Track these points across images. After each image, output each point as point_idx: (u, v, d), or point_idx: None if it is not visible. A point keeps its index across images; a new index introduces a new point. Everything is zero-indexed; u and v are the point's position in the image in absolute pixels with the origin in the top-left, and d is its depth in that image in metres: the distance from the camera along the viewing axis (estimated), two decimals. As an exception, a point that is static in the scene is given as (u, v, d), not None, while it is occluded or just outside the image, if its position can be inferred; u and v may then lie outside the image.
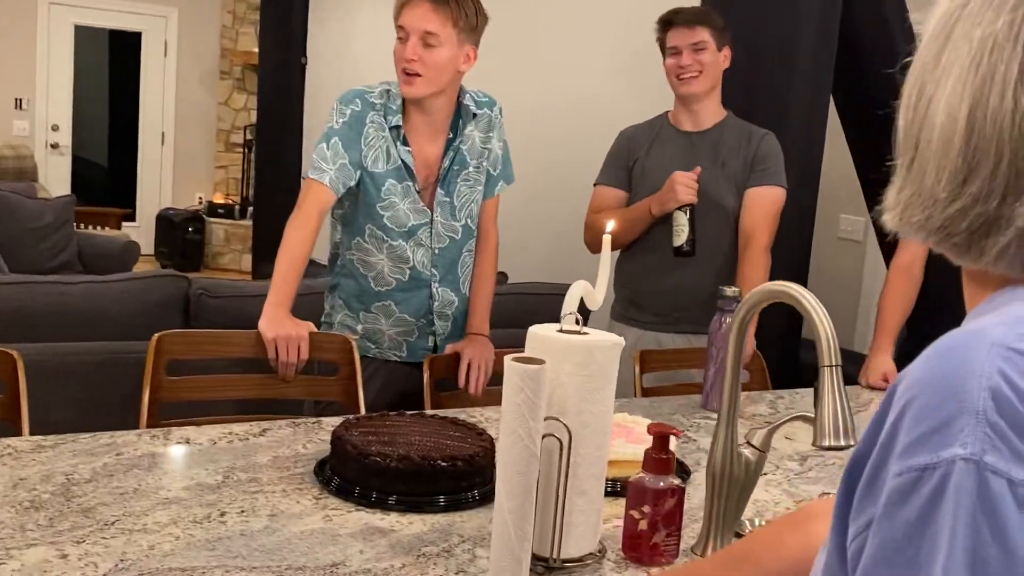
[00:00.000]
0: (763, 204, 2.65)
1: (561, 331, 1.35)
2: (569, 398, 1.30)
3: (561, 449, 1.29)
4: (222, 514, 1.43)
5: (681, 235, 2.55)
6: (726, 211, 2.70)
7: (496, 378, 2.42)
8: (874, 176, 3.72)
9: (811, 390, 2.48)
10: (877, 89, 3.53)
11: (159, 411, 1.96)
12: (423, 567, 1.32)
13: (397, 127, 2.32)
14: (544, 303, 3.61)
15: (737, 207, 2.70)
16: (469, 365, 2.36)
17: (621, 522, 1.43)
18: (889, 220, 0.76)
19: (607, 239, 1.59)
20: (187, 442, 1.72)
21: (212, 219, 8.17)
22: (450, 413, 1.90)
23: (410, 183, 2.34)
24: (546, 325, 1.39)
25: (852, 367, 3.59)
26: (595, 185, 2.85)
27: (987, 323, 0.64)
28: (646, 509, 1.37)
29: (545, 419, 1.26)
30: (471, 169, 2.41)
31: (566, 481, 1.30)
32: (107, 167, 8.80)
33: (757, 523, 1.51)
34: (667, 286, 2.73)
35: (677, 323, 2.74)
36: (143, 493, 1.48)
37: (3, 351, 1.91)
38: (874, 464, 0.64)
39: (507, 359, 1.25)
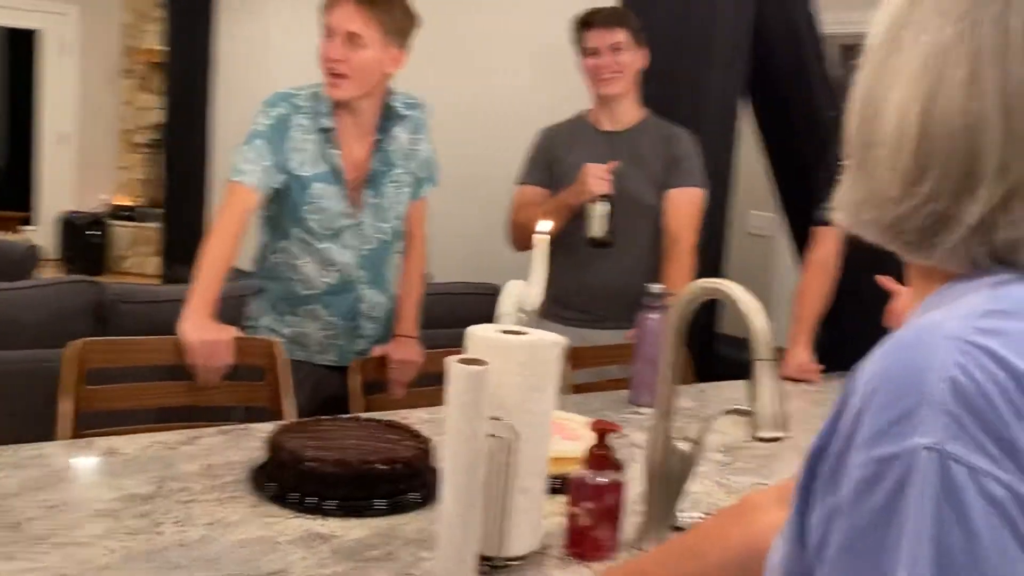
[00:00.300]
0: (685, 205, 2.70)
1: (501, 331, 1.36)
2: (511, 397, 1.31)
3: (504, 448, 1.30)
4: (157, 525, 1.40)
5: (595, 226, 2.57)
6: (647, 210, 2.74)
7: (426, 379, 2.42)
8: (787, 173, 3.83)
9: (731, 383, 2.55)
10: (788, 88, 3.64)
11: (80, 421, 1.90)
12: (366, 572, 1.31)
13: (326, 129, 2.29)
14: (469, 303, 3.62)
15: (657, 205, 2.74)
16: (398, 367, 2.35)
17: (561, 518, 1.44)
18: (840, 218, 0.79)
19: (543, 239, 1.60)
20: (114, 452, 1.67)
21: (116, 222, 7.95)
22: (384, 416, 1.89)
23: (338, 186, 2.32)
24: (485, 326, 1.40)
25: (748, 356, 3.70)
26: (517, 184, 2.86)
27: (941, 317, 0.66)
28: (587, 505, 1.38)
29: (489, 419, 1.26)
30: (398, 170, 2.41)
31: (509, 480, 1.31)
32: (3, 169, 8.49)
33: (691, 515, 1.54)
34: (591, 283, 2.76)
35: (602, 320, 2.77)
36: (73, 506, 1.44)
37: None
38: (836, 455, 0.67)
39: (450, 361, 1.25)
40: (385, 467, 1.52)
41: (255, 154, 2.24)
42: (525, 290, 1.60)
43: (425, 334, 2.69)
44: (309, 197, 2.30)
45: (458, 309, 3.54)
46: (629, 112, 2.81)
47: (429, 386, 2.44)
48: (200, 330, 2.07)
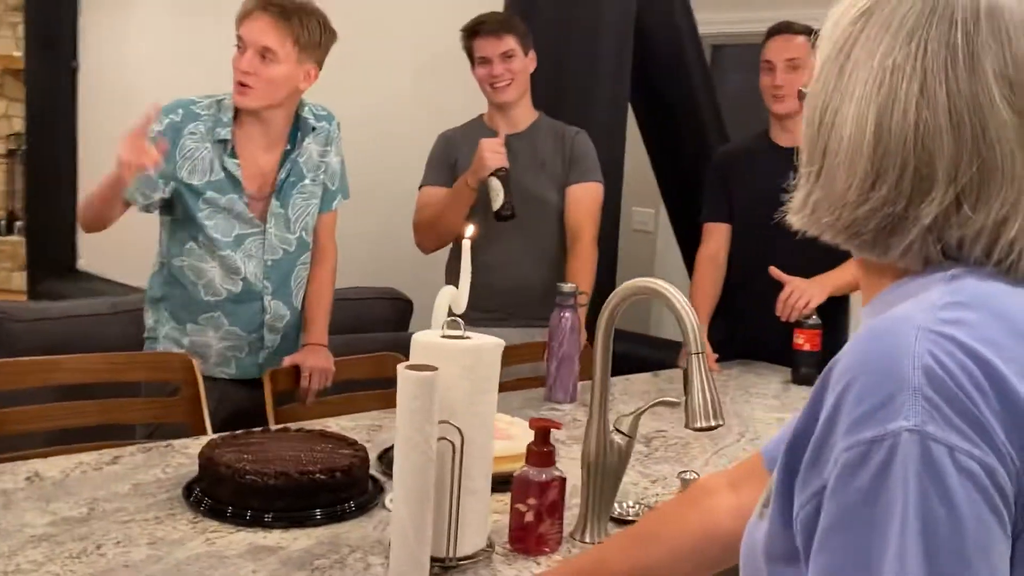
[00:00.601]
0: (585, 201, 2.77)
1: (444, 336, 1.39)
2: (458, 401, 1.34)
3: (453, 451, 1.33)
4: (98, 547, 1.38)
5: (498, 199, 2.59)
6: (549, 209, 2.80)
7: (339, 387, 2.42)
8: (670, 170, 3.96)
9: (637, 376, 2.64)
10: (669, 87, 3.76)
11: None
12: (321, 579, 1.32)
13: (224, 140, 2.27)
14: (370, 308, 3.62)
15: (559, 204, 2.81)
16: (311, 376, 2.35)
17: (502, 516, 1.48)
18: (797, 220, 0.86)
19: (467, 244, 1.64)
20: (39, 476, 1.63)
21: (-27, 236, 7.58)
22: (310, 425, 1.89)
23: (235, 195, 2.30)
24: (427, 332, 1.43)
25: (653, 352, 3.82)
26: (420, 187, 2.88)
27: (908, 310, 0.73)
28: (531, 501, 1.43)
29: (439, 423, 1.29)
30: (307, 182, 2.40)
31: (458, 481, 1.35)
32: None
33: (625, 505, 1.61)
34: (499, 283, 2.80)
35: (510, 318, 2.81)
36: (6, 532, 1.40)
37: None
38: (817, 440, 0.73)
39: (400, 368, 1.28)
40: (325, 477, 1.53)
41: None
42: (456, 295, 1.63)
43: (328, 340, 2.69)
44: (203, 204, 2.28)
45: (359, 314, 3.54)
46: (524, 115, 2.86)
47: (343, 393, 2.45)
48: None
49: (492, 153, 2.59)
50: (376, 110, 4.16)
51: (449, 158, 2.87)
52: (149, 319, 2.42)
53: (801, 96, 0.89)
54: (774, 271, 2.59)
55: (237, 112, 2.28)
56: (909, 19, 0.77)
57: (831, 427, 0.72)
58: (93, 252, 5.89)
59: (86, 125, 6.14)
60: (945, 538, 0.65)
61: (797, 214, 0.85)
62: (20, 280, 6.93)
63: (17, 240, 7.10)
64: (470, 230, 1.71)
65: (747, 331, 2.85)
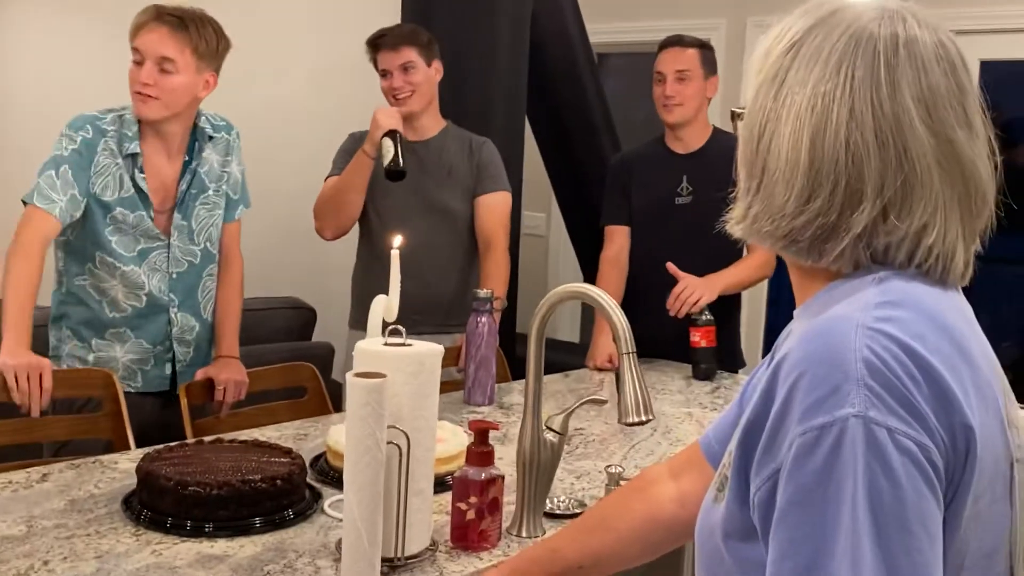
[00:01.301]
0: (496, 210, 2.84)
1: (387, 344, 1.44)
2: (404, 406, 1.39)
3: (400, 454, 1.38)
4: (45, 563, 1.38)
5: (388, 156, 2.58)
6: (456, 216, 2.86)
7: (252, 398, 2.43)
8: (563, 176, 4.06)
9: (549, 377, 2.72)
10: (562, 94, 3.87)
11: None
12: (273, 584, 1.36)
13: (134, 155, 2.27)
14: (272, 318, 3.61)
15: (465, 211, 2.86)
16: (225, 389, 2.35)
17: (440, 516, 1.54)
18: (738, 230, 0.95)
19: (395, 254, 1.69)
20: (-34, 497, 1.61)
21: None
22: (229, 437, 1.91)
23: (143, 212, 2.30)
24: (369, 340, 1.48)
25: (551, 354, 3.91)
26: (326, 179, 2.88)
27: (846, 310, 0.83)
28: (472, 500, 1.49)
29: (387, 428, 1.34)
30: (210, 192, 2.40)
31: (405, 484, 1.40)
32: None
33: (556, 500, 1.68)
34: (406, 291, 2.83)
35: (416, 325, 2.85)
36: (-55, 555, 1.39)
37: None
38: (771, 428, 0.82)
39: (349, 376, 1.33)
40: (267, 485, 1.56)
41: (61, 181, 2.20)
42: (385, 303, 1.68)
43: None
44: (111, 221, 2.27)
45: (261, 324, 3.53)
46: (431, 124, 2.91)
47: (255, 404, 2.46)
48: (18, 358, 2.00)
49: (386, 116, 2.62)
50: (274, 118, 4.15)
51: (355, 152, 2.89)
52: (52, 338, 2.39)
53: (736, 117, 0.98)
54: (671, 267, 2.71)
55: (140, 125, 2.28)
56: (837, 50, 0.87)
57: (783, 416, 0.80)
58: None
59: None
60: (890, 508, 0.75)
61: (738, 224, 0.94)
62: None
63: None
64: (398, 240, 1.76)
65: (644, 330, 2.96)
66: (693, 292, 2.69)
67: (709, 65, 2.90)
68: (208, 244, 2.42)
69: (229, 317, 2.49)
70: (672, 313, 2.69)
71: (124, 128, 2.28)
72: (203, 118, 2.38)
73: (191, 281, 2.41)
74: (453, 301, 2.84)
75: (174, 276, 2.37)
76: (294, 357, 2.84)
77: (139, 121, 2.27)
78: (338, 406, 2.64)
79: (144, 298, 2.33)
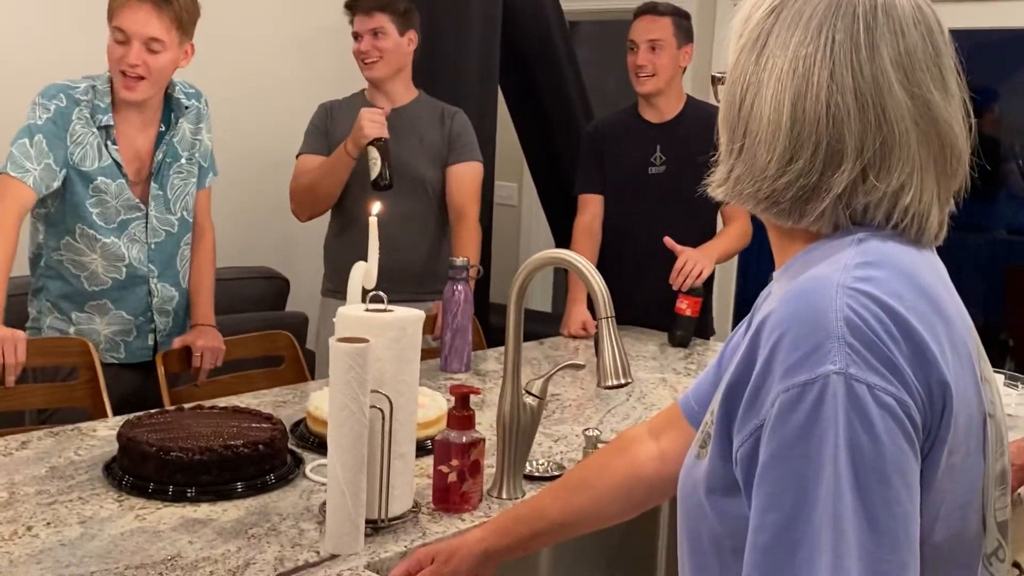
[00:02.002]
0: (468, 180, 2.84)
1: (368, 310, 1.45)
2: (386, 371, 1.41)
3: (383, 418, 1.40)
4: (29, 528, 1.39)
5: (375, 169, 2.59)
6: (427, 186, 2.86)
7: (228, 366, 2.43)
8: (535, 145, 4.07)
9: (525, 344, 2.74)
10: (535, 63, 3.87)
11: None
12: (258, 547, 1.38)
13: (107, 127, 2.25)
14: (245, 287, 3.60)
15: (437, 180, 2.86)
16: (202, 356, 2.36)
17: (421, 479, 1.56)
18: (720, 192, 0.96)
19: (374, 221, 1.70)
20: (-54, 464, 1.61)
21: None
22: (209, 405, 1.92)
23: (122, 180, 2.29)
24: (351, 306, 1.49)
25: (527, 323, 3.94)
26: (298, 155, 2.87)
27: (826, 270, 0.85)
28: (454, 463, 1.51)
29: (370, 392, 1.36)
30: (183, 161, 2.39)
31: (388, 447, 1.42)
32: None
33: (535, 463, 1.71)
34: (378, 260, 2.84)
35: (389, 293, 2.85)
36: (-72, 522, 1.39)
37: None
38: (754, 386, 0.84)
39: (332, 341, 1.34)
40: (249, 450, 1.57)
41: (35, 150, 2.17)
42: (365, 270, 1.69)
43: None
44: (92, 192, 2.26)
45: (234, 294, 3.52)
46: (402, 92, 2.90)
47: (232, 372, 2.46)
48: None
49: (371, 122, 2.61)
50: (245, 86, 4.12)
51: (326, 129, 2.88)
52: (32, 309, 2.38)
53: (716, 81, 1.00)
54: (668, 242, 2.73)
55: (113, 96, 2.26)
56: (817, 14, 0.89)
57: (766, 374, 0.83)
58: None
59: None
60: (870, 461, 0.77)
61: (720, 187, 0.96)
62: None
63: None
64: (376, 207, 1.77)
65: (617, 298, 2.99)
66: (695, 264, 2.71)
67: (684, 33, 2.91)
68: (184, 213, 2.42)
69: (204, 285, 2.49)
70: (676, 287, 2.71)
71: (97, 99, 2.25)
72: (177, 87, 2.36)
73: (169, 251, 2.40)
74: (425, 270, 2.85)
75: (153, 246, 2.36)
76: (268, 326, 2.84)
77: (111, 91, 2.26)
78: (313, 374, 2.65)
79: (124, 270, 2.33)
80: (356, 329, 1.39)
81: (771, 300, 0.89)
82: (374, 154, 2.61)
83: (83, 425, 1.86)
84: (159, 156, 2.34)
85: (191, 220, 2.45)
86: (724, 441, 0.88)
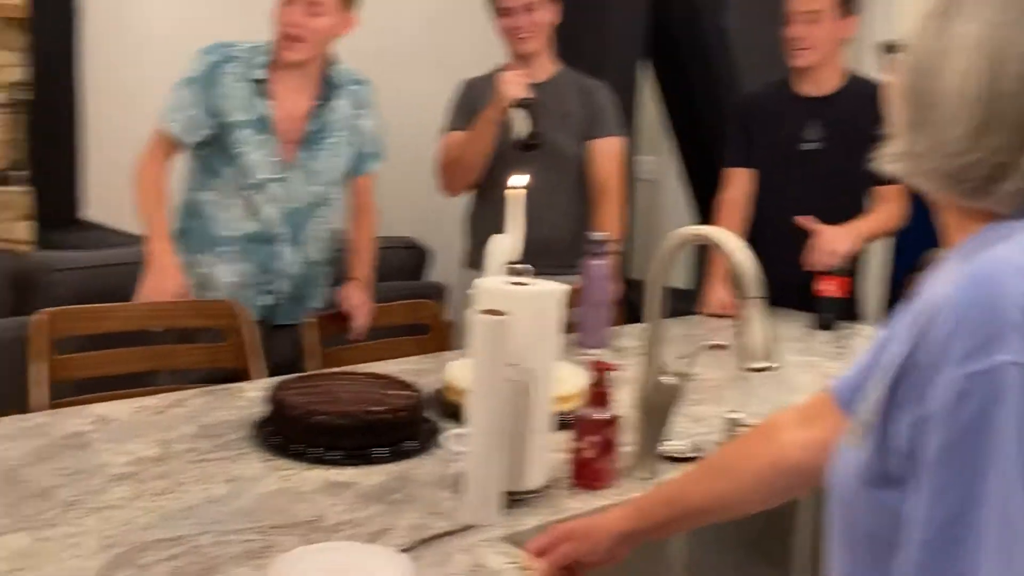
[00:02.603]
0: (610, 155, 2.81)
1: (509, 283, 1.45)
2: (524, 344, 1.40)
3: (522, 392, 1.39)
4: (180, 484, 1.44)
5: (523, 128, 2.57)
6: (569, 161, 2.84)
7: (374, 332, 2.48)
8: (682, 120, 3.99)
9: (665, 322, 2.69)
10: (682, 35, 3.79)
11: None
12: (397, 512, 1.40)
13: (260, 80, 2.34)
14: (385, 257, 3.65)
15: (579, 156, 2.84)
16: (356, 313, 2.41)
17: (562, 453, 1.55)
18: (896, 168, 0.91)
19: (517, 193, 1.69)
20: (106, 419, 1.69)
21: (-26, 186, 7.55)
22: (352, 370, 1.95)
23: (269, 136, 2.36)
24: (492, 278, 1.48)
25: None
26: (443, 132, 2.90)
27: (1006, 253, 0.79)
28: (591, 439, 1.50)
29: (508, 365, 1.35)
30: (334, 139, 2.44)
31: (526, 421, 1.41)
32: None
33: (673, 443, 1.68)
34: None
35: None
36: (90, 472, 1.46)
37: None
38: (920, 375, 0.79)
39: (473, 313, 1.34)
40: (390, 416, 1.59)
41: (184, 102, 2.33)
42: (507, 243, 1.69)
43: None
44: (237, 143, 2.35)
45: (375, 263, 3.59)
46: (546, 66, 2.89)
47: (374, 340, 2.51)
48: (162, 287, 2.19)
49: (512, 84, 2.61)
50: (386, 57, 4.18)
51: (470, 106, 2.89)
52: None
53: (891, 49, 0.94)
54: (803, 220, 2.64)
55: (273, 58, 2.33)
56: None
57: (935, 362, 0.78)
58: (97, 202, 5.90)
59: (90, 73, 6.11)
60: None
61: (895, 162, 0.91)
62: (23, 230, 6.93)
63: (18, 190, 7.08)
64: (521, 180, 1.76)
65: (764, 277, 2.91)
66: (832, 242, 2.61)
67: (846, 4, 2.77)
68: (327, 188, 2.46)
69: (363, 249, 2.56)
70: (810, 266, 2.62)
71: (255, 57, 2.36)
72: (340, 68, 2.43)
73: (302, 218, 2.46)
74: (564, 245, 2.83)
75: (288, 210, 2.42)
76: (407, 296, 2.89)
77: (273, 54, 2.33)
78: (453, 344, 2.68)
79: (257, 224, 2.41)
80: (497, 301, 1.39)
81: (940, 283, 0.84)
82: (519, 115, 2.59)
83: (233, 386, 1.92)
84: (311, 127, 2.40)
85: (331, 196, 2.49)
86: (884, 431, 0.83)
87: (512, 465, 1.40)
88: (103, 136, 5.36)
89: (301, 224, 2.46)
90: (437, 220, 3.94)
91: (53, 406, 1.83)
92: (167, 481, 1.45)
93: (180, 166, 2.47)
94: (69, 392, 1.91)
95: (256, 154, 2.36)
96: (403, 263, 3.70)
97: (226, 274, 2.42)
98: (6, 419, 1.66)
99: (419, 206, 3.97)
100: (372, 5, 4.14)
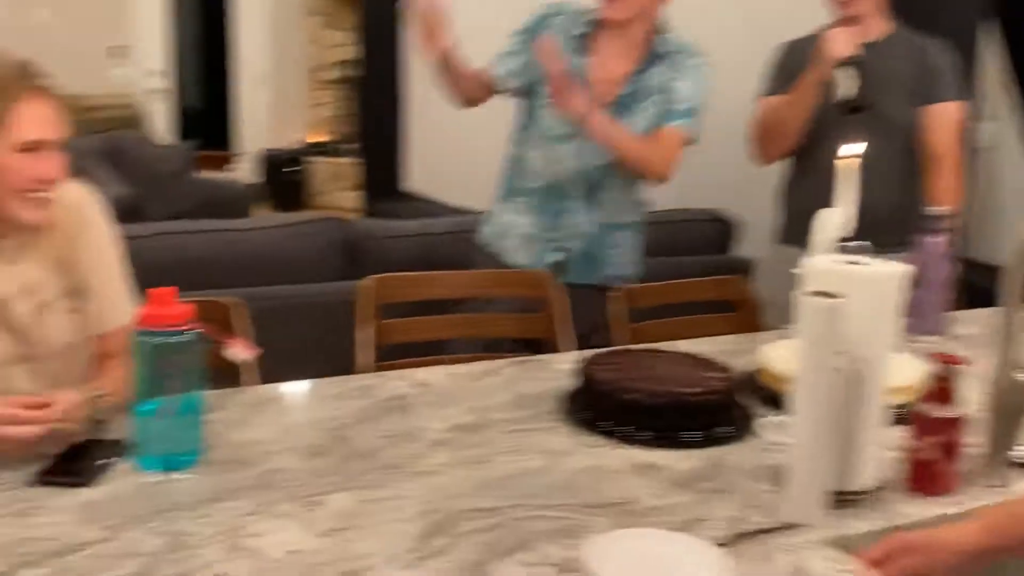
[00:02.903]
0: (946, 120, 2.56)
1: (842, 262, 1.33)
2: (860, 330, 1.28)
3: (854, 382, 1.28)
4: (495, 453, 1.46)
5: (848, 89, 2.38)
6: (899, 128, 2.62)
7: (680, 308, 2.40)
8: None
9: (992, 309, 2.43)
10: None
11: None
12: (710, 502, 1.33)
13: (580, 36, 2.35)
14: (687, 229, 3.58)
15: (910, 122, 2.61)
16: None
17: (896, 452, 1.41)
18: None
19: (849, 164, 1.56)
20: (426, 384, 1.74)
21: (312, 158, 8.22)
22: (657, 346, 1.89)
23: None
24: (821, 257, 1.37)
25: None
26: (761, 97, 2.76)
27: None
28: (930, 438, 1.35)
29: (839, 352, 1.24)
30: (646, 103, 2.38)
31: (857, 414, 1.29)
32: (205, 109, 8.88)
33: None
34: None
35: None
36: (410, 436, 1.51)
37: (218, 300, 1.93)
38: None
39: (802, 294, 1.24)
40: (703, 398, 1.52)
41: (508, 47, 2.44)
42: (838, 217, 1.56)
43: (647, 262, 2.65)
44: (546, 95, 2.34)
45: (676, 236, 3.52)
46: (877, 25, 2.67)
47: (679, 316, 2.43)
48: None
49: (838, 41, 2.43)
50: (693, 23, 4.07)
51: (790, 69, 2.73)
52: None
53: None
54: None
55: (598, 20, 2.34)
56: None
57: None
58: (420, 173, 6.23)
59: (416, 50, 6.45)
60: None
61: None
62: (352, 199, 7.46)
63: (348, 162, 7.62)
64: (853, 149, 1.63)
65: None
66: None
67: None
68: None
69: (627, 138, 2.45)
70: None
71: (579, 16, 2.38)
72: (669, 37, 2.39)
73: (599, 179, 2.41)
74: (892, 219, 2.61)
75: (584, 168, 2.40)
76: (711, 271, 2.78)
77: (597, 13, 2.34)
78: (761, 323, 2.55)
79: (552, 179, 2.41)
80: (828, 282, 1.28)
81: None
82: (845, 75, 2.41)
83: (544, 357, 1.93)
84: (625, 91, 2.36)
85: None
86: None
87: (840, 462, 1.29)
88: (425, 112, 5.62)
89: (596, 184, 2.42)
90: (746, 191, 3.79)
91: (377, 369, 1.91)
92: (482, 450, 1.47)
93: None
94: (385, 355, 2.00)
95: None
96: (707, 236, 3.60)
97: (520, 225, 2.45)
98: (335, 379, 1.75)
99: (725, 176, 3.84)
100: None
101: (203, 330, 1.40)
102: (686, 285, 2.39)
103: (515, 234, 2.46)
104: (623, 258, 2.52)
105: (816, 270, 1.32)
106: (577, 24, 2.37)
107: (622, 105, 2.37)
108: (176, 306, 1.37)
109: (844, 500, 1.31)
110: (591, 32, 2.37)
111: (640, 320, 2.35)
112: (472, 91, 2.47)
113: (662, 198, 3.87)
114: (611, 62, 2.36)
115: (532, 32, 2.41)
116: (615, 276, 2.45)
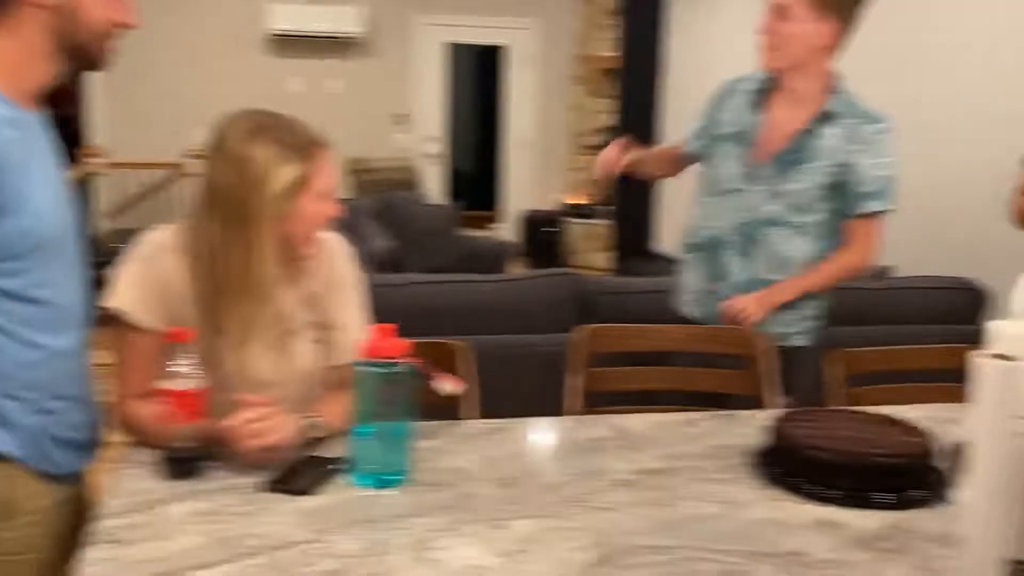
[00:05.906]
0: None
1: (1031, 327, 1.30)
2: (1045, 396, 1.25)
3: (1037, 449, 1.24)
4: (675, 498, 1.52)
5: None
6: None
7: (905, 376, 2.34)
8: None
9: None
10: None
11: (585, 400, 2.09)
12: (883, 563, 1.33)
13: (757, 92, 2.41)
14: (936, 297, 3.44)
15: None
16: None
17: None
18: None
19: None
20: (624, 429, 1.83)
21: (569, 219, 8.51)
22: (876, 410, 1.87)
23: (746, 148, 2.40)
24: (1011, 321, 1.34)
25: None
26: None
27: None
28: None
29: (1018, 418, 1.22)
30: (815, 164, 2.33)
31: (1041, 482, 1.26)
32: (474, 172, 9.43)
33: None
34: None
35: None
36: (596, 474, 1.60)
37: (447, 343, 2.11)
38: None
39: (976, 356, 1.23)
40: (890, 460, 1.51)
41: (697, 117, 2.56)
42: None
43: (889, 329, 2.58)
44: (718, 152, 2.46)
45: (912, 302, 3.40)
46: None
47: (905, 383, 2.36)
48: None
49: None
50: (949, 93, 3.93)
51: None
52: None
53: None
54: None
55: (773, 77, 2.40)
56: None
57: None
58: (668, 234, 6.33)
59: (671, 118, 6.59)
60: None
61: None
62: (603, 259, 7.66)
63: (602, 223, 7.83)
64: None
65: None
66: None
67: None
68: (787, 209, 2.36)
69: (807, 276, 2.39)
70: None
71: (760, 76, 2.44)
72: (844, 96, 2.35)
73: (755, 232, 2.40)
74: None
75: (741, 220, 2.41)
76: (953, 340, 2.67)
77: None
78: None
79: (712, 231, 2.45)
80: (1013, 345, 1.26)
81: None
82: None
83: (742, 413, 1.96)
84: (791, 146, 2.34)
85: (792, 218, 2.36)
86: None
87: (1017, 529, 1.26)
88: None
89: (751, 236, 2.40)
90: (1002, 261, 3.60)
91: (583, 412, 2.02)
92: (664, 493, 1.53)
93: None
94: (593, 402, 2.09)
95: (729, 163, 2.43)
96: (953, 305, 3.44)
97: (688, 279, 2.53)
98: (541, 419, 1.87)
99: (980, 244, 3.67)
100: (933, 50, 3.90)
101: (416, 364, 1.56)
102: (909, 352, 2.32)
103: (684, 288, 2.55)
104: (786, 318, 2.42)
105: (1004, 333, 1.30)
106: (756, 83, 2.43)
107: (785, 162, 2.36)
108: (395, 341, 1.54)
109: (1021, 569, 1.27)
110: (768, 90, 2.41)
111: (860, 385, 2.32)
112: (667, 170, 2.71)
113: (908, 265, 3.77)
114: (782, 119, 2.39)
115: (720, 96, 2.51)
116: (778, 334, 2.37)
